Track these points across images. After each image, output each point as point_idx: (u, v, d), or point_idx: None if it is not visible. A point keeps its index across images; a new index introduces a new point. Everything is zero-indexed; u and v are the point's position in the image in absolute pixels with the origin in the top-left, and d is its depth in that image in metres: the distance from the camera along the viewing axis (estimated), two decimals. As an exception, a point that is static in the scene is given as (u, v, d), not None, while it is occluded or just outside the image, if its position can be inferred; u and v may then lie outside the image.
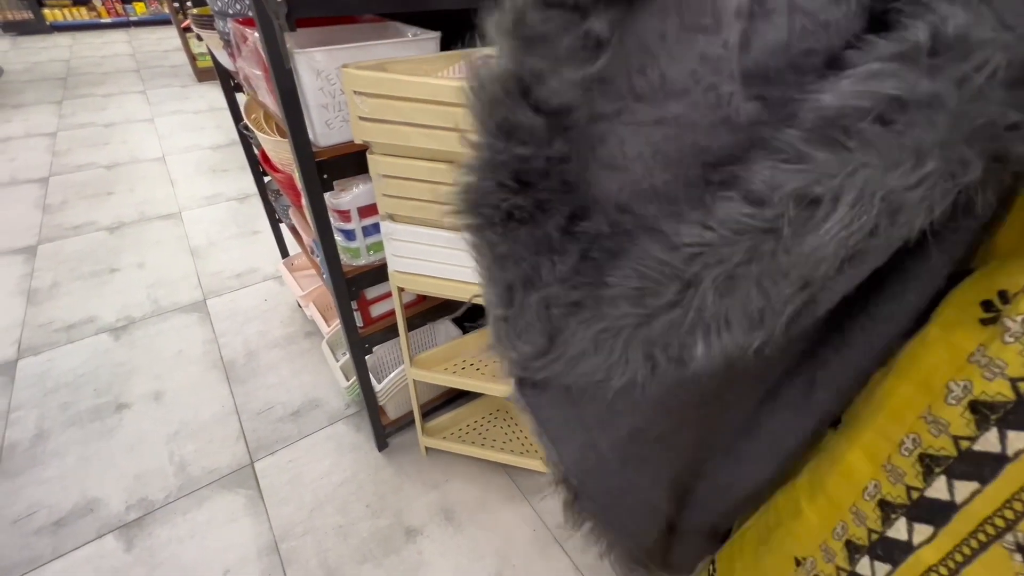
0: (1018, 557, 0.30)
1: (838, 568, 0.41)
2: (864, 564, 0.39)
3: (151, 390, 1.59)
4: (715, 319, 0.32)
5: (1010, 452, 0.30)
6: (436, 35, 0.90)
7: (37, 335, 1.78)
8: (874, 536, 0.38)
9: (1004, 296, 0.32)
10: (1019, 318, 0.30)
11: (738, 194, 0.31)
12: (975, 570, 0.31)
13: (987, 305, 0.33)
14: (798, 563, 0.45)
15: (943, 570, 0.33)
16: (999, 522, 0.30)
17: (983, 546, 0.31)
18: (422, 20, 0.98)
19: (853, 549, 0.40)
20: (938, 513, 0.33)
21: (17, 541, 1.21)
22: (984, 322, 0.32)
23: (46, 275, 2.08)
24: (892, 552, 0.36)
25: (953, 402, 0.33)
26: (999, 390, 0.30)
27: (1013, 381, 0.30)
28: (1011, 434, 0.30)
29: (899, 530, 0.36)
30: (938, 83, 0.26)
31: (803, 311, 0.32)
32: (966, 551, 0.32)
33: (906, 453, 0.36)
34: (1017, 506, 0.30)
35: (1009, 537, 0.30)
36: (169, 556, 1.19)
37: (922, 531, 0.34)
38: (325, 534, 1.23)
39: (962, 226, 0.32)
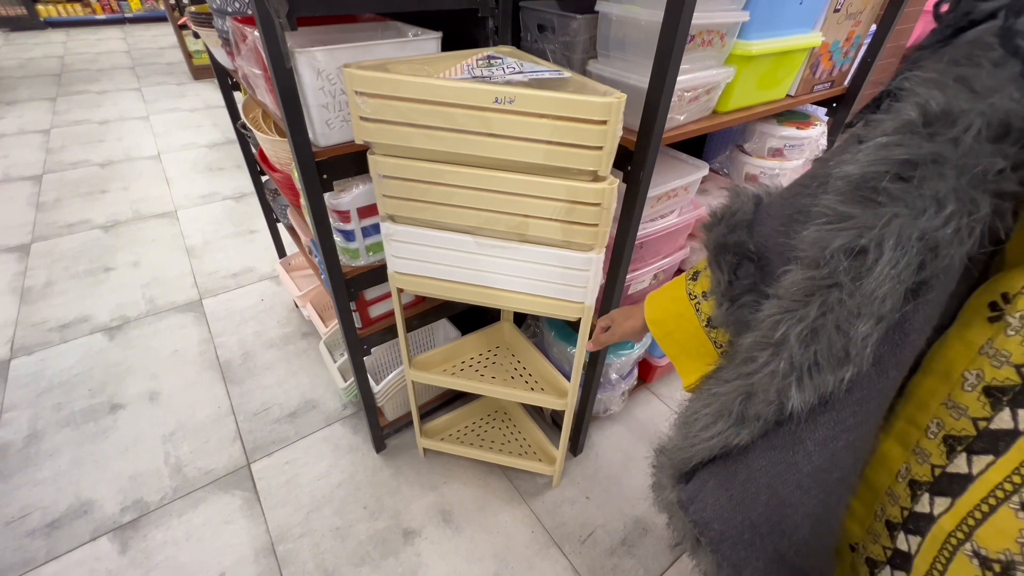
0: (1023, 514, 0.34)
1: (884, 547, 0.46)
2: (901, 539, 0.44)
3: (146, 390, 1.58)
4: (804, 364, 0.40)
5: (1022, 427, 0.35)
6: (437, 35, 0.89)
7: (30, 334, 1.77)
8: (905, 513, 0.43)
9: (1006, 297, 0.37)
10: (1018, 315, 0.36)
11: (795, 264, 0.41)
12: (986, 531, 0.36)
13: (993, 306, 0.38)
14: (853, 548, 0.50)
15: (959, 534, 0.37)
16: (1008, 487, 0.34)
17: (992, 509, 0.35)
18: (423, 20, 0.98)
19: (891, 527, 0.45)
20: (956, 485, 0.38)
21: (10, 543, 1.19)
22: (991, 320, 0.38)
23: (40, 274, 2.06)
24: (919, 525, 0.41)
25: (969, 389, 0.38)
26: (1007, 376, 0.36)
27: (1017, 367, 0.35)
28: (1021, 412, 0.35)
29: (923, 504, 0.41)
30: (937, 144, 0.33)
31: (892, 342, 0.38)
32: (977, 515, 0.36)
33: (932, 436, 0.41)
34: None
35: (1015, 498, 0.34)
36: (164, 559, 1.18)
37: (941, 503, 0.39)
38: (322, 536, 1.22)
39: (992, 249, 0.38)
